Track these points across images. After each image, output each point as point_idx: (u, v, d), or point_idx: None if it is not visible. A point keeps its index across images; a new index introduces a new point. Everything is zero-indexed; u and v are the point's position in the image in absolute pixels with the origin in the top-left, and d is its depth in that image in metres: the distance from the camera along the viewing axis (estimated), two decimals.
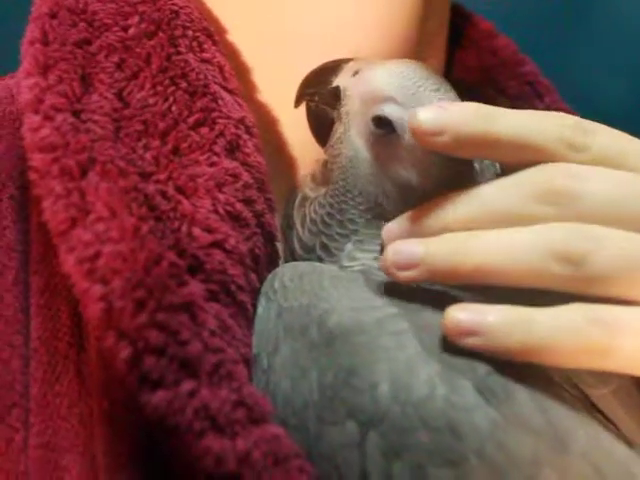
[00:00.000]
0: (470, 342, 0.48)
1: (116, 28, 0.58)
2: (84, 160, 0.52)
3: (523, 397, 0.48)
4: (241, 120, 0.58)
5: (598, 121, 0.53)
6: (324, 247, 0.58)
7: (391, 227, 0.53)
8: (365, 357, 0.49)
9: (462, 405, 0.47)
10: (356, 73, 0.57)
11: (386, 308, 0.51)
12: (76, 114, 0.54)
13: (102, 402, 0.53)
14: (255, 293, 0.55)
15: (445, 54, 0.72)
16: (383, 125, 0.55)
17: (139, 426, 0.51)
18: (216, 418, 0.47)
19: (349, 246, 0.57)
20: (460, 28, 0.78)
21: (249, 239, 0.55)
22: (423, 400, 0.47)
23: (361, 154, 0.56)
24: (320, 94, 0.58)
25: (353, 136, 0.57)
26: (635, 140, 0.52)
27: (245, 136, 0.58)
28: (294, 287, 0.53)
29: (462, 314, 0.48)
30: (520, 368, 0.48)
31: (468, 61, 0.77)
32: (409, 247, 0.51)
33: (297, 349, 0.51)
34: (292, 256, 0.61)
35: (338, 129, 0.58)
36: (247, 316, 0.54)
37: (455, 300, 0.51)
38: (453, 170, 0.54)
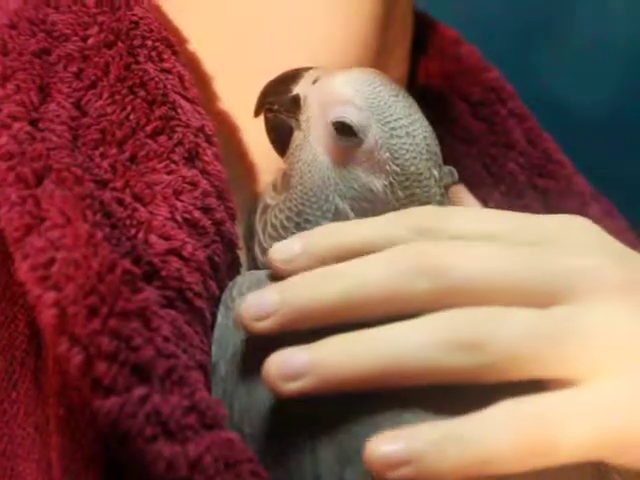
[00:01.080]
0: (400, 473, 0.45)
1: (75, 38, 0.57)
2: (40, 168, 0.52)
3: None
4: (200, 128, 0.58)
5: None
6: None
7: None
8: None
9: None
10: (316, 81, 0.57)
11: None
12: (33, 123, 0.53)
13: (58, 409, 0.52)
14: (214, 300, 0.55)
15: (408, 62, 0.72)
16: (342, 129, 0.55)
17: (95, 433, 0.51)
18: (167, 423, 0.47)
19: None
20: (424, 36, 0.78)
21: (208, 247, 0.55)
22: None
23: (319, 158, 0.56)
24: (280, 102, 0.58)
25: (312, 141, 0.57)
26: (506, 218, 0.51)
27: (204, 144, 0.57)
28: None
29: (387, 446, 0.45)
30: None
31: (432, 68, 0.77)
32: (293, 357, 0.48)
33: (255, 358, 0.50)
34: (254, 264, 0.61)
35: (297, 137, 0.58)
36: (205, 323, 0.53)
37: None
38: (412, 176, 0.54)
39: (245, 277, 0.56)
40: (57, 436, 0.52)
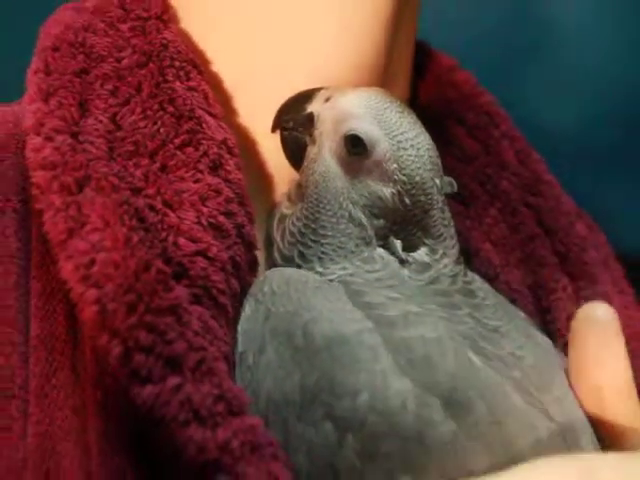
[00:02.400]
0: None
1: (111, 59, 0.61)
2: (81, 177, 0.55)
3: (482, 411, 0.51)
4: (223, 141, 0.61)
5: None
6: (301, 255, 0.62)
7: None
8: (346, 367, 0.52)
9: (430, 420, 0.50)
10: (328, 99, 0.61)
11: (363, 321, 0.54)
12: (74, 136, 0.57)
13: (95, 394, 0.55)
14: (235, 297, 0.58)
15: (409, 85, 0.76)
16: (353, 143, 0.59)
17: (129, 415, 0.53)
18: (198, 410, 0.50)
19: (320, 252, 0.61)
20: (423, 63, 0.82)
21: (230, 248, 0.58)
22: (396, 412, 0.50)
23: (332, 169, 0.60)
24: (295, 120, 0.62)
25: (325, 154, 0.61)
26: None
27: (227, 156, 0.61)
28: (281, 293, 0.57)
29: None
30: (480, 383, 0.52)
31: (430, 94, 0.80)
32: None
33: (282, 352, 0.54)
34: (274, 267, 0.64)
35: (311, 151, 0.62)
36: (227, 317, 0.57)
37: (420, 316, 0.54)
38: (417, 185, 0.58)
39: (274, 274, 0.59)
40: (94, 418, 0.55)
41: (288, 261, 0.63)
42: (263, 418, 0.53)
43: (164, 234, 0.56)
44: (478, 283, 0.63)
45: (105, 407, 0.55)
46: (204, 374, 0.51)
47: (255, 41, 0.68)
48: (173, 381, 0.50)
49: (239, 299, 0.59)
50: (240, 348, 0.57)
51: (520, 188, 0.77)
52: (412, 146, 0.59)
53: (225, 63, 0.67)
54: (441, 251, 0.61)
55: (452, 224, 0.62)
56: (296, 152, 0.63)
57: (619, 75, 1.23)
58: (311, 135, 0.62)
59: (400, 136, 0.59)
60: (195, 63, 0.63)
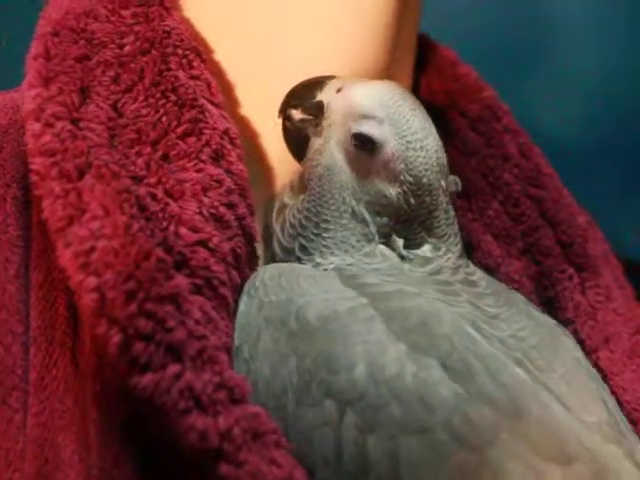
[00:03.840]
0: None
1: (113, 46, 0.60)
2: (81, 164, 0.53)
3: (482, 372, 0.50)
4: (225, 131, 0.60)
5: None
6: (302, 248, 0.61)
7: None
8: (341, 341, 0.51)
9: (430, 380, 0.50)
10: (339, 90, 0.60)
11: (357, 298, 0.54)
12: (74, 122, 0.55)
13: (95, 385, 0.54)
14: (236, 289, 0.57)
15: (411, 79, 0.75)
16: (363, 140, 0.58)
17: (129, 406, 0.52)
18: (200, 398, 0.49)
19: (322, 246, 0.60)
20: (426, 56, 0.81)
21: (231, 239, 0.57)
22: (394, 377, 0.50)
23: (338, 163, 0.59)
24: (304, 106, 0.61)
25: (332, 147, 0.59)
26: None
27: (229, 146, 0.60)
28: (273, 284, 0.56)
29: None
30: (479, 350, 0.51)
31: (433, 86, 0.80)
32: None
33: (277, 338, 0.53)
34: (273, 260, 0.63)
35: (317, 142, 0.60)
36: (228, 309, 0.56)
37: (410, 294, 0.54)
38: (424, 186, 0.57)
39: (266, 269, 0.58)
40: (93, 409, 0.54)
41: (288, 253, 0.62)
42: (263, 407, 0.52)
43: (165, 223, 0.55)
44: (479, 274, 0.63)
45: (104, 398, 0.54)
46: (205, 362, 0.50)
47: (259, 31, 0.67)
48: (173, 369, 0.49)
49: (239, 291, 0.58)
50: (236, 342, 0.56)
51: (522, 180, 0.77)
52: (421, 147, 0.58)
53: (228, 52, 0.66)
54: (444, 248, 0.60)
55: (455, 222, 0.62)
56: (298, 143, 0.62)
57: (622, 74, 1.23)
58: (318, 124, 0.61)
59: (410, 136, 0.58)
60: (198, 51, 0.62)
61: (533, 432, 0.49)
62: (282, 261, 0.62)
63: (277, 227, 0.63)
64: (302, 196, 0.61)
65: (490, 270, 0.72)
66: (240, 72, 0.66)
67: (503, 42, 1.21)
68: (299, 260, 0.61)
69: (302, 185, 0.62)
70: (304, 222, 0.61)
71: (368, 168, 0.58)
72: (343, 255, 0.59)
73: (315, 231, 0.60)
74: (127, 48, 0.60)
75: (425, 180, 0.58)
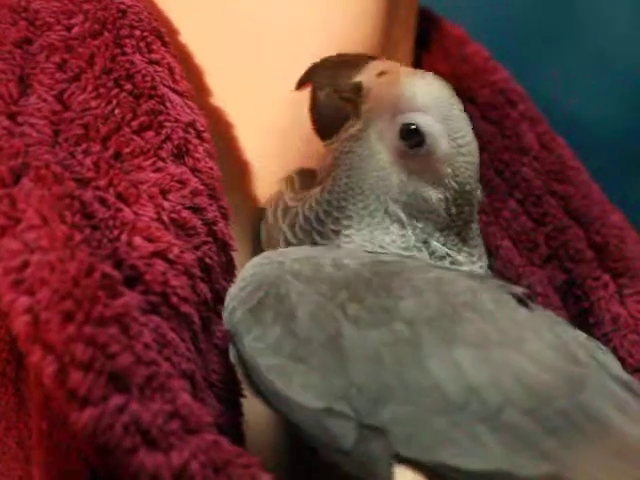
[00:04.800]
0: None
1: (59, 27, 0.53)
2: (17, 166, 0.48)
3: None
4: (191, 124, 0.53)
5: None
6: (315, 245, 0.55)
7: None
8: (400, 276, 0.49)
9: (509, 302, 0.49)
10: (382, 74, 0.55)
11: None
12: (11, 117, 0.49)
13: (41, 423, 0.49)
14: (205, 304, 0.51)
15: (411, 60, 0.68)
16: (412, 134, 0.53)
17: (77, 447, 0.47)
18: (148, 432, 0.43)
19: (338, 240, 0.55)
20: (429, 33, 0.74)
21: (198, 248, 0.51)
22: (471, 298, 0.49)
23: (377, 156, 0.54)
24: (338, 85, 0.55)
25: (372, 136, 0.54)
26: None
27: (195, 140, 0.53)
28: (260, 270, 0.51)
29: None
30: None
31: (438, 68, 0.72)
32: None
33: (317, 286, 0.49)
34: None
35: (353, 126, 0.55)
36: (193, 329, 0.49)
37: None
38: (465, 194, 0.53)
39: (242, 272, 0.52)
40: (39, 451, 0.49)
41: None
42: (304, 344, 0.47)
43: (116, 232, 0.49)
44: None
45: (50, 437, 0.48)
46: (155, 390, 0.44)
47: (232, 10, 0.59)
48: (116, 400, 0.43)
49: (212, 307, 0.51)
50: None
51: (544, 175, 0.70)
52: (469, 152, 0.54)
53: (195, 34, 0.59)
54: (477, 255, 0.56)
55: (480, 233, 0.57)
56: (329, 119, 0.56)
57: None
58: (356, 108, 0.55)
59: (460, 139, 0.53)
60: (159, 33, 0.56)
61: None
62: None
63: (285, 227, 0.57)
64: (320, 187, 0.56)
65: (510, 281, 0.64)
66: (211, 57, 0.59)
67: (529, 18, 1.15)
68: None
69: (325, 171, 0.56)
70: (322, 216, 0.55)
71: (412, 166, 0.53)
72: (375, 249, 0.54)
73: (334, 227, 0.55)
74: (75, 30, 0.53)
75: (468, 188, 0.54)
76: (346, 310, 0.47)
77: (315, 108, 0.57)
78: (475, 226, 0.56)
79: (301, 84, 0.56)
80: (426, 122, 0.53)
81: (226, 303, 0.51)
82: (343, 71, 0.56)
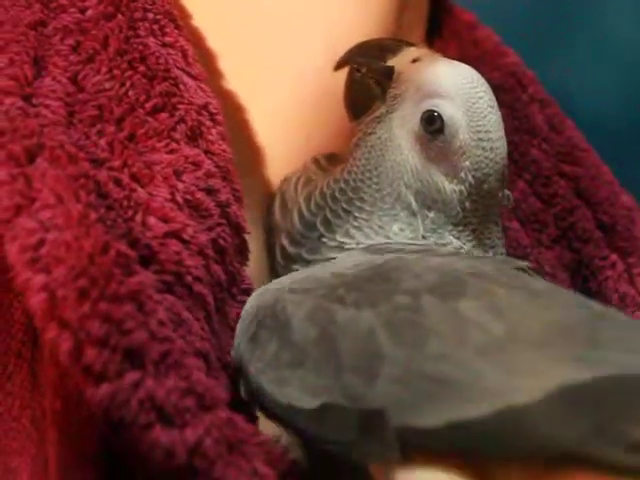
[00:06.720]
0: None
1: (73, 9, 0.53)
2: (32, 146, 0.47)
3: None
4: (204, 106, 0.53)
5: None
6: (326, 221, 0.55)
7: None
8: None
9: None
10: (416, 60, 0.54)
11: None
12: (26, 98, 0.49)
13: (55, 402, 0.48)
14: (219, 286, 0.50)
15: (423, 42, 0.67)
16: (433, 120, 0.52)
17: (93, 426, 0.46)
18: (163, 408, 0.43)
19: (350, 225, 0.54)
20: (440, 19, 0.73)
21: (212, 229, 0.50)
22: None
23: (396, 140, 0.53)
24: (371, 67, 0.55)
25: (394, 120, 0.54)
26: None
27: (208, 123, 0.53)
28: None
29: None
30: None
31: (449, 52, 0.71)
32: None
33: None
34: (274, 260, 0.57)
35: (379, 108, 0.54)
36: (207, 309, 0.49)
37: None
38: (482, 192, 0.52)
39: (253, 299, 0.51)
40: (53, 430, 0.48)
41: (309, 227, 0.55)
42: (300, 348, 0.46)
43: (131, 212, 0.48)
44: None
45: (65, 416, 0.48)
46: (169, 367, 0.44)
47: None
48: (131, 377, 0.43)
49: (225, 288, 0.51)
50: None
51: (553, 156, 0.69)
52: (491, 149, 0.52)
53: (208, 18, 0.59)
54: (491, 253, 0.55)
55: (503, 235, 0.56)
56: (359, 100, 0.56)
57: None
58: (384, 91, 0.54)
59: (483, 134, 0.52)
60: (172, 16, 0.55)
61: None
62: (295, 239, 0.56)
63: (301, 199, 0.56)
64: (342, 166, 0.55)
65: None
66: (224, 40, 0.59)
67: (538, 10, 1.14)
68: (320, 237, 0.55)
69: (351, 148, 0.55)
70: (337, 194, 0.55)
71: (429, 154, 0.52)
72: (380, 240, 0.53)
73: (346, 207, 0.54)
74: (89, 12, 0.53)
75: (486, 186, 0.52)
76: (344, 300, 0.46)
77: (349, 88, 0.56)
78: (496, 229, 0.55)
79: (340, 65, 0.56)
80: (448, 110, 0.52)
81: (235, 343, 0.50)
82: (379, 53, 0.55)
